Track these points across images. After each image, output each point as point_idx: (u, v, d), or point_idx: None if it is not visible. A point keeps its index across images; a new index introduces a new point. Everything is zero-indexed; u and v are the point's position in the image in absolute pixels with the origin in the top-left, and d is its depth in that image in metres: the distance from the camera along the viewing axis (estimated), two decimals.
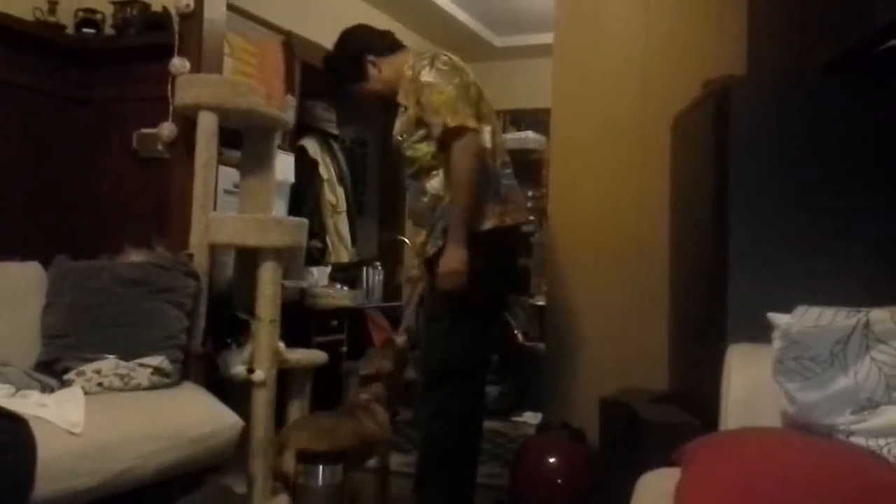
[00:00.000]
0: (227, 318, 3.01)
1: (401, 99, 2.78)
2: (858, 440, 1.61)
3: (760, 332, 1.86)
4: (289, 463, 2.49)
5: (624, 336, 3.31)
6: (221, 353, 2.96)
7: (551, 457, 2.96)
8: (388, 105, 2.91)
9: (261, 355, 2.95)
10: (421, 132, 2.70)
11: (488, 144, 2.71)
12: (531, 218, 4.94)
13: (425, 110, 2.64)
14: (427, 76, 2.65)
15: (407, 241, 2.83)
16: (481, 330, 2.74)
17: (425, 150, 2.70)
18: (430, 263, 2.76)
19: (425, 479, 2.68)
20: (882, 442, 1.60)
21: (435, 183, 2.71)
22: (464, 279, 2.57)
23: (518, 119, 5.56)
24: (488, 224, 2.66)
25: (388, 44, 2.90)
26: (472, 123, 2.59)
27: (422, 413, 2.66)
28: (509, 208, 2.74)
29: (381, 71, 2.86)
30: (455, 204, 2.60)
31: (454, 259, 2.58)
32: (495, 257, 2.70)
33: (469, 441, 2.71)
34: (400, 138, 2.79)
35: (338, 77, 2.96)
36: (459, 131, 2.57)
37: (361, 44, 2.89)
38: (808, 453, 1.49)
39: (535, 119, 5.27)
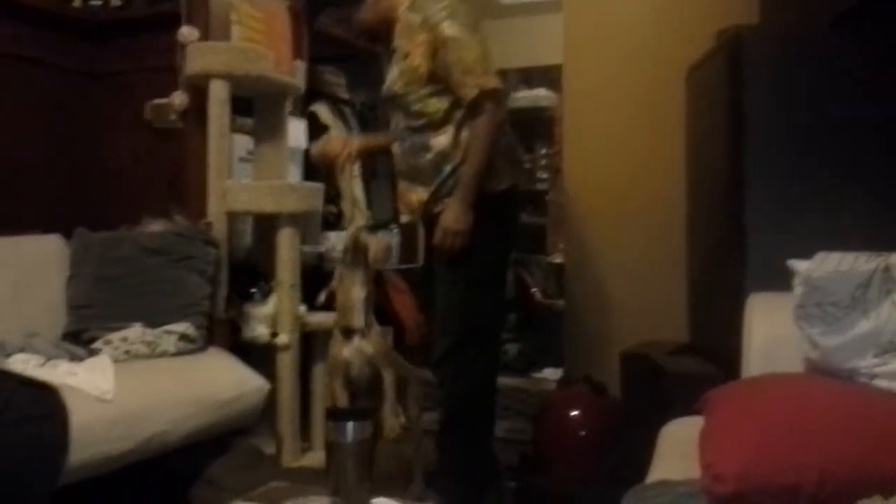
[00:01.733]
0: (248, 273, 3.05)
1: (399, 44, 2.60)
2: (881, 383, 1.62)
3: (780, 282, 1.86)
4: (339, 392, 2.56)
5: (643, 290, 3.33)
6: (244, 311, 2.98)
7: (574, 410, 2.99)
8: (375, 39, 2.81)
9: (283, 319, 2.99)
10: (431, 87, 2.55)
11: None
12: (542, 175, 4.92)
13: (452, 67, 2.47)
14: (451, 30, 2.47)
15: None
16: (499, 290, 2.73)
17: (437, 105, 2.55)
18: (431, 223, 2.66)
19: (449, 437, 2.72)
20: None
21: (443, 139, 2.57)
22: (465, 240, 2.52)
23: (529, 77, 5.51)
24: (505, 184, 2.60)
25: None
26: (500, 84, 2.52)
27: (444, 374, 2.67)
28: (517, 169, 2.71)
29: (377, 1, 2.66)
30: (471, 165, 2.52)
31: (461, 219, 2.51)
32: (506, 217, 2.68)
33: (488, 398, 2.74)
34: (400, 91, 2.62)
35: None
36: (494, 93, 2.49)
37: None
38: (832, 397, 1.51)
39: (546, 76, 5.22)
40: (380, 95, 2.89)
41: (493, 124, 2.50)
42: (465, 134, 2.56)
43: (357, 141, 2.94)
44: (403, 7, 2.59)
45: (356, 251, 2.60)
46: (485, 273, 2.62)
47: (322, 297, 2.80)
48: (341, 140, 2.96)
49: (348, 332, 2.59)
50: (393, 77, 2.65)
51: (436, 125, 2.58)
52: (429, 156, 2.61)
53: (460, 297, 2.62)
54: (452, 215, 2.52)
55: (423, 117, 2.59)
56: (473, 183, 2.52)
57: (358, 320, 2.58)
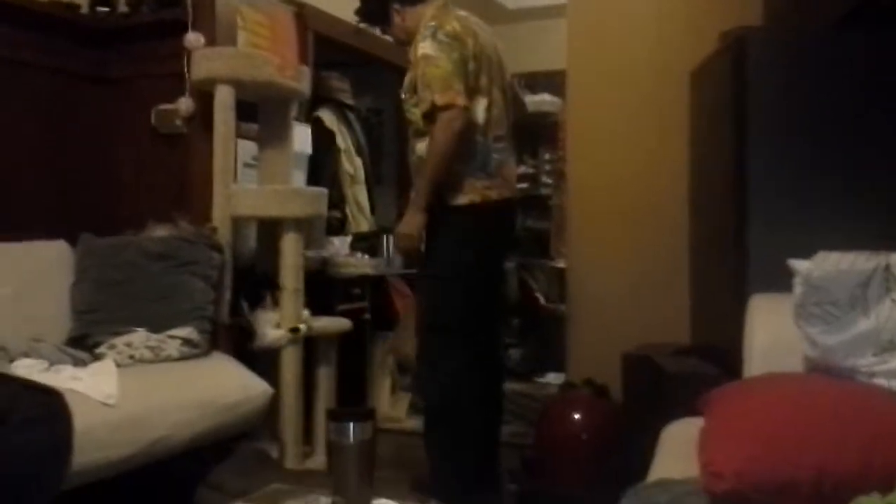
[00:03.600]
0: (256, 279, 3.08)
1: (411, 56, 2.79)
2: (880, 381, 1.63)
3: (781, 283, 1.86)
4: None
5: (645, 293, 3.32)
6: (256, 315, 3.01)
7: (575, 413, 2.99)
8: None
9: (286, 324, 3.00)
10: (415, 98, 2.74)
11: (480, 119, 2.73)
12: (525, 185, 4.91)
13: (419, 82, 2.68)
14: (426, 48, 2.66)
15: None
16: (467, 292, 2.74)
17: (419, 114, 2.73)
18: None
19: (428, 437, 2.75)
20: None
21: (423, 147, 2.74)
22: (416, 245, 2.70)
23: (533, 82, 5.52)
24: (464, 199, 2.71)
25: None
26: (461, 101, 2.61)
27: (421, 374, 2.81)
28: (497, 183, 2.77)
29: (404, 20, 2.89)
30: (422, 174, 2.70)
31: (408, 224, 2.70)
32: (476, 230, 2.75)
33: (464, 397, 2.71)
34: (403, 97, 2.83)
35: (365, 14, 3.09)
36: (446, 108, 2.60)
37: None
38: (832, 396, 1.50)
39: (551, 81, 5.23)
40: (384, 101, 3.01)
41: (444, 137, 2.61)
42: None
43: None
44: (423, 22, 2.79)
45: None
46: (448, 270, 2.73)
47: None
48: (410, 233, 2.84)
49: None
50: (404, 84, 2.85)
51: (419, 133, 2.78)
52: (414, 159, 2.82)
53: (426, 295, 2.81)
54: (403, 220, 2.73)
55: (412, 124, 2.80)
56: (423, 190, 2.69)
57: None
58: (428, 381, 2.81)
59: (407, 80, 2.80)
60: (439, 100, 2.60)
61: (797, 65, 2.46)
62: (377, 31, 3.07)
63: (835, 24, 2.46)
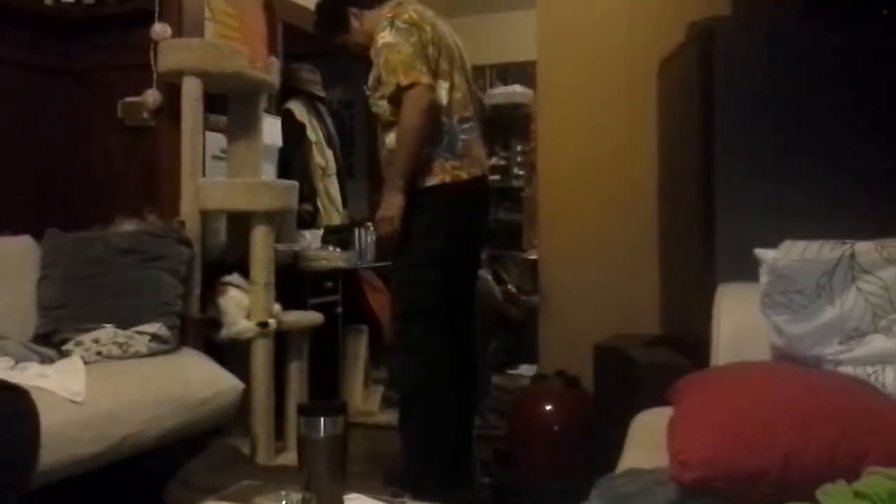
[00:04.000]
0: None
1: (371, 54, 2.80)
2: (846, 369, 1.64)
3: (749, 271, 1.87)
4: None
5: (616, 284, 3.33)
6: (224, 305, 3.00)
7: (547, 404, 3.00)
8: (370, 58, 2.91)
9: (256, 318, 2.98)
10: (380, 91, 2.75)
11: (444, 101, 2.74)
12: (488, 170, 4.90)
13: (381, 70, 2.69)
14: (386, 37, 2.69)
15: None
16: (442, 273, 2.74)
17: (385, 106, 2.74)
18: None
19: (403, 428, 2.74)
20: (870, 370, 1.63)
21: (392, 138, 2.74)
22: (395, 227, 2.66)
23: (504, 73, 5.52)
24: (433, 180, 2.72)
25: None
26: (425, 80, 2.64)
27: (396, 362, 2.83)
28: (466, 163, 2.78)
29: (362, 24, 2.90)
30: (395, 154, 2.69)
31: (386, 206, 2.67)
32: (448, 211, 2.75)
33: (440, 383, 2.71)
34: (368, 92, 2.84)
35: (323, 26, 3.02)
36: (411, 87, 2.62)
37: None
38: (798, 383, 1.52)
39: (522, 72, 5.23)
40: (354, 93, 2.98)
41: (411, 114, 2.63)
42: None
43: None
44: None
45: None
46: (423, 257, 2.73)
47: None
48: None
49: None
50: (368, 83, 2.85)
51: (386, 125, 2.78)
52: (384, 153, 2.82)
53: (401, 281, 2.79)
54: (382, 204, 2.69)
55: (380, 119, 2.80)
56: (394, 171, 2.68)
57: None
58: (403, 368, 2.81)
59: (371, 76, 2.80)
60: (403, 80, 2.62)
61: (764, 54, 2.47)
62: (337, 43, 3.01)
63: (801, 13, 2.48)
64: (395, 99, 2.66)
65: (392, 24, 2.71)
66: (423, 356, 2.72)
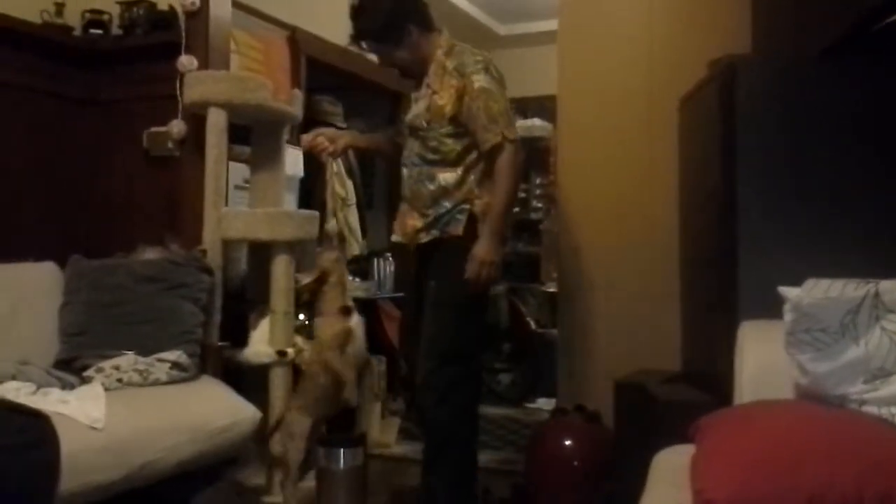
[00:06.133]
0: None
1: (431, 82, 2.77)
2: (871, 409, 1.63)
3: (772, 309, 1.86)
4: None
5: (636, 319, 3.32)
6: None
7: (567, 439, 2.97)
8: (406, 74, 2.91)
9: (275, 346, 2.98)
10: (451, 128, 2.73)
11: None
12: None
13: (477, 115, 2.67)
14: (483, 81, 2.69)
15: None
16: (481, 317, 2.86)
17: (452, 145, 2.74)
18: (421, 252, 2.85)
19: (434, 464, 2.73)
20: (894, 410, 1.61)
21: (449, 177, 2.74)
22: (496, 271, 2.70)
23: (524, 107, 5.56)
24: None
25: (430, 20, 2.84)
26: (516, 136, 2.73)
27: (426, 400, 2.72)
28: None
29: (419, 45, 2.80)
30: (499, 201, 2.70)
31: (492, 252, 2.68)
32: None
33: (472, 423, 2.80)
34: (422, 125, 2.77)
35: (375, 34, 2.84)
36: (514, 142, 2.69)
37: (408, 9, 2.79)
38: (822, 423, 1.50)
39: (542, 106, 5.28)
40: (375, 124, 2.96)
41: (516, 166, 2.70)
42: (472, 177, 2.76)
43: (345, 138, 3.13)
44: (441, 51, 2.79)
45: None
46: (471, 300, 2.75)
47: None
48: (330, 134, 3.12)
49: None
50: (419, 110, 2.81)
51: (447, 163, 2.76)
52: (432, 187, 2.77)
53: (447, 323, 2.74)
54: (484, 248, 2.68)
55: (438, 153, 2.77)
56: (501, 218, 2.72)
57: None
58: (435, 410, 2.72)
59: (426, 106, 2.77)
60: (509, 134, 2.68)
61: (785, 93, 2.48)
62: (370, 55, 2.96)
63: (822, 53, 2.49)
64: (496, 149, 2.68)
65: (487, 70, 2.71)
66: (458, 399, 2.71)
